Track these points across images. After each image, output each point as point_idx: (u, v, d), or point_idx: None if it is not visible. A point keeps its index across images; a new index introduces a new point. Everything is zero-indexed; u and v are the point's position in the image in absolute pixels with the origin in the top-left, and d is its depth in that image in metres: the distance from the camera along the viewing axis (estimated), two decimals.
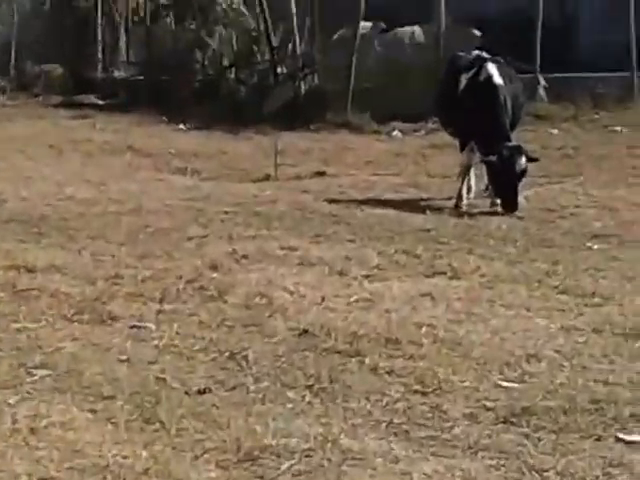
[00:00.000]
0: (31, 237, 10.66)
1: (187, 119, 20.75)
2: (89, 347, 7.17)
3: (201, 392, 6.31)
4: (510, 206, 12.27)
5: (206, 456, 5.35)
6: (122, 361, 6.89)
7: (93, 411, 5.97)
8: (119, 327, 7.67)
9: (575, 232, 11.21)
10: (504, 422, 5.83)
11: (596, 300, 8.41)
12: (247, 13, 24.55)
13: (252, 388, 6.38)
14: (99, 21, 25.90)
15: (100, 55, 25.76)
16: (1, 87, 24.66)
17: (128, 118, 21.32)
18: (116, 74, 25.34)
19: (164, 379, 6.51)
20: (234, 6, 25.34)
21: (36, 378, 6.53)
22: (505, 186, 12.41)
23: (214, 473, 5.15)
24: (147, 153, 17.19)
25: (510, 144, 12.57)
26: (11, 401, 6.09)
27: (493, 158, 12.37)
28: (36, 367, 6.73)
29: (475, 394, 6.26)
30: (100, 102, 23.53)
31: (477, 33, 20.17)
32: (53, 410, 5.94)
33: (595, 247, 10.45)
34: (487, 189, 12.96)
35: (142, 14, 26.38)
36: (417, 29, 21.94)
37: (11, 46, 25.25)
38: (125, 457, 5.31)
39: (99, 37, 25.75)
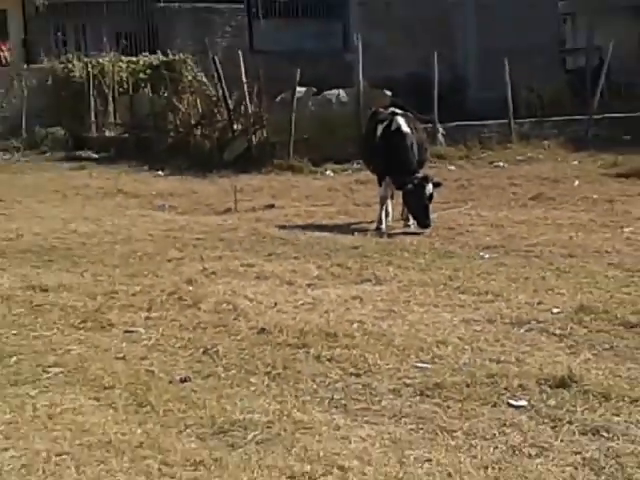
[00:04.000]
0: (43, 263, 10.53)
1: (164, 167, 20.62)
2: (92, 349, 7.10)
3: (182, 381, 6.28)
4: (425, 223, 12.26)
5: (188, 431, 5.34)
6: (119, 358, 6.84)
7: (97, 399, 5.94)
8: (116, 332, 7.60)
9: (470, 245, 11.25)
10: (421, 395, 5.86)
11: (489, 297, 8.45)
12: (208, 83, 24.50)
13: (222, 376, 6.37)
14: (91, 92, 25.67)
15: (93, 118, 25.54)
16: (15, 147, 24.36)
17: (117, 168, 21.15)
18: (107, 133, 25.14)
19: (153, 371, 6.49)
20: (198, 77, 25.36)
21: (51, 375, 6.48)
22: (420, 208, 12.35)
23: (194, 444, 5.13)
24: (134, 195, 17.06)
25: (419, 175, 12.59)
26: (32, 393, 6.04)
27: (410, 187, 12.38)
28: (50, 366, 6.67)
29: (397, 374, 6.29)
30: (95, 155, 23.30)
31: (388, 93, 20.23)
32: (65, 399, 5.91)
33: (486, 256, 10.49)
34: (402, 214, 12.90)
35: (125, 86, 26.26)
36: (341, 92, 22.03)
37: (22, 113, 24.95)
38: (124, 434, 5.29)
39: (91, 104, 25.52)
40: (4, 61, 26.86)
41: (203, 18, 29.84)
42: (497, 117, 22.41)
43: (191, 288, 9.03)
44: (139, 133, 23.80)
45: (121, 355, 6.91)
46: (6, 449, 5.08)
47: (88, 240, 12.21)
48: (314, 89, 22.06)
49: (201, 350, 6.97)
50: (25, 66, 26.66)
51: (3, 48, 27.21)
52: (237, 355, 6.82)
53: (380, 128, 13.12)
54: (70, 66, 26.22)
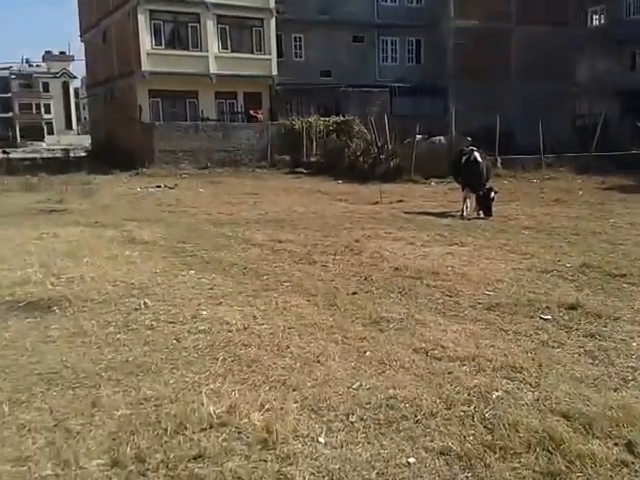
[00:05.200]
0: (279, 228, 10.74)
1: (341, 178, 20.63)
2: (305, 274, 7.18)
3: (353, 293, 6.31)
4: (489, 213, 11.83)
5: (356, 321, 5.36)
6: (319, 280, 6.88)
7: (308, 300, 6.03)
8: (317, 266, 7.65)
9: (516, 226, 10.79)
10: (487, 309, 5.68)
11: (527, 256, 8.08)
12: (366, 132, 24.29)
13: (375, 292, 6.36)
14: (304, 136, 26.00)
15: (304, 150, 25.86)
16: (264, 166, 24.98)
17: (317, 178, 21.36)
18: (312, 159, 25.35)
19: (337, 287, 6.51)
20: (361, 129, 25.22)
21: (284, 286, 6.60)
22: (486, 204, 11.93)
23: (360, 328, 5.14)
24: (325, 192, 17.15)
25: (487, 186, 12.16)
26: (274, 295, 6.18)
27: (481, 192, 12.04)
28: (284, 282, 6.79)
29: (473, 297, 6.11)
30: (305, 171, 23.58)
31: (468, 139, 19.39)
32: (292, 299, 6.02)
33: (526, 233, 10.04)
34: (475, 208, 12.40)
35: (322, 134, 26.42)
36: (442, 138, 21.43)
37: (268, 148, 25.56)
38: (321, 320, 5.32)
39: (304, 143, 25.85)
40: (260, 120, 27.47)
41: (364, 95, 29.59)
42: (533, 153, 21.39)
43: (357, 244, 9.04)
44: (329, 159, 23.93)
45: (320, 278, 6.99)
46: (262, 324, 5.25)
47: (301, 216, 12.38)
48: (426, 136, 21.59)
49: (363, 277, 6.98)
50: (270, 122, 27.17)
51: (259, 112, 27.83)
52: (383, 281, 6.79)
53: (464, 158, 12.68)
54: (293, 122, 26.56)
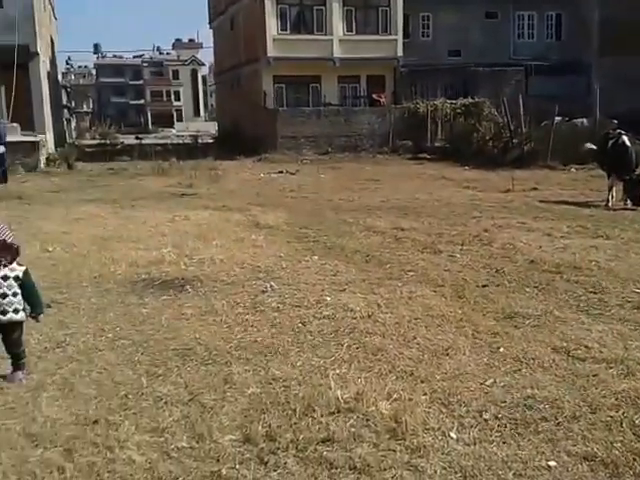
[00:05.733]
0: (401, 215, 10.62)
1: (468, 164, 20.00)
2: (430, 264, 7.10)
3: (483, 285, 6.15)
4: (639, 204, 11.07)
5: (488, 315, 5.19)
6: (445, 270, 6.78)
7: (434, 291, 5.96)
8: (443, 256, 7.53)
9: None
10: (638, 308, 5.30)
11: None
12: (497, 114, 23.39)
13: (507, 285, 6.15)
14: (428, 120, 25.56)
15: (429, 135, 25.42)
16: (384, 151, 24.88)
17: (441, 164, 20.83)
18: (436, 144, 24.86)
19: (465, 279, 6.38)
20: (492, 112, 24.32)
21: (408, 276, 6.55)
22: (636, 193, 11.18)
23: (492, 322, 4.99)
24: (450, 179, 16.72)
25: (636, 172, 11.40)
26: (399, 284, 6.15)
27: (629, 179, 11.29)
28: (408, 271, 6.75)
29: (621, 294, 5.72)
30: (428, 157, 23.19)
31: (614, 122, 18.04)
32: (417, 290, 5.97)
33: None
34: (622, 197, 11.55)
35: (448, 117, 25.80)
36: (584, 120, 20.17)
37: (390, 132, 25.40)
38: (450, 312, 5.25)
39: (428, 127, 25.42)
40: (382, 103, 27.35)
41: (496, 75, 28.49)
42: None
43: (487, 234, 8.77)
44: (454, 144, 23.34)
45: (447, 268, 6.88)
46: (386, 313, 5.26)
47: (425, 203, 12.21)
48: (566, 118, 20.38)
49: (494, 269, 6.78)
50: (393, 106, 26.99)
51: (382, 96, 27.69)
52: (516, 274, 6.55)
53: (610, 143, 11.95)
54: (417, 106, 26.20)
